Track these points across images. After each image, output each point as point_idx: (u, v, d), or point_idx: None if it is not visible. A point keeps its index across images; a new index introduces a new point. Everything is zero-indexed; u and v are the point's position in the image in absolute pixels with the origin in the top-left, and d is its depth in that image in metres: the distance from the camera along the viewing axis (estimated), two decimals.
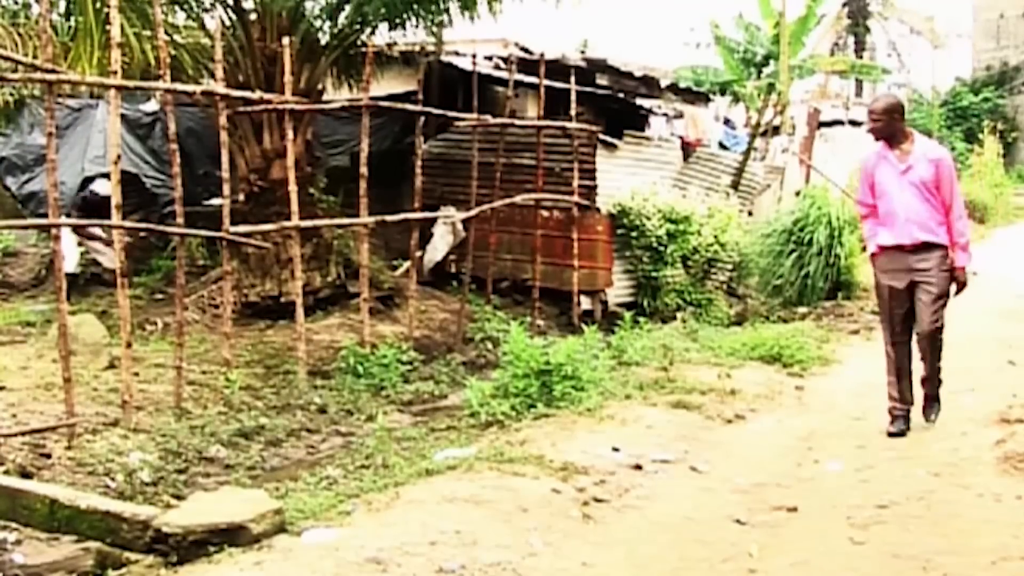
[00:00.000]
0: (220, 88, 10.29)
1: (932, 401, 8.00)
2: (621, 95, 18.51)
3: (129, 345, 8.90)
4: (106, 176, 11.23)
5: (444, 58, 15.63)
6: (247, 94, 11.11)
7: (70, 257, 13.43)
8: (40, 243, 15.19)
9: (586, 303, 15.11)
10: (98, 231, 13.97)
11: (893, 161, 7.73)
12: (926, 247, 7.63)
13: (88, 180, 14.62)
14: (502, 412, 8.48)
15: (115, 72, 8.81)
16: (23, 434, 7.93)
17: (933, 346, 7.75)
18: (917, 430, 7.89)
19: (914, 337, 7.86)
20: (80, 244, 14.24)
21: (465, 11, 13.26)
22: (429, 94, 13.59)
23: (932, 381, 7.93)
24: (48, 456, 7.80)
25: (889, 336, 7.95)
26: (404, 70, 15.65)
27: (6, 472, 7.10)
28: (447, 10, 13.18)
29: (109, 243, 13.49)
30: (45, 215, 9.62)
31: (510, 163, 14.42)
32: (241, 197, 12.80)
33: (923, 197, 7.61)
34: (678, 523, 6.07)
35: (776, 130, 23.11)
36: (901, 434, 7.75)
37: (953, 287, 7.72)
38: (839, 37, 40.99)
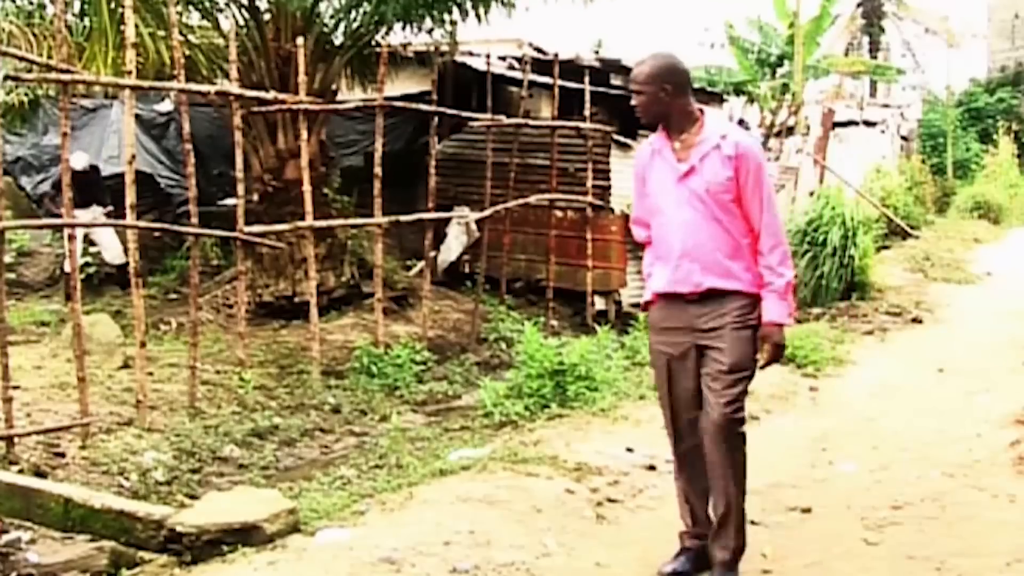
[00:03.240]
0: (234, 88, 10.31)
1: (725, 559, 4.94)
2: None
3: (143, 345, 8.92)
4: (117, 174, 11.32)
5: (458, 58, 15.63)
6: (261, 94, 11.13)
7: (113, 248, 13.56)
8: (54, 243, 15.23)
9: (600, 303, 15.08)
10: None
11: (669, 159, 4.93)
12: (716, 297, 4.82)
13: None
14: (516, 412, 8.47)
15: (130, 72, 8.84)
16: (38, 433, 7.96)
17: (726, 452, 4.89)
18: (931, 431, 7.86)
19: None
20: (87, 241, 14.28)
21: (480, 11, 13.25)
22: (443, 94, 13.59)
23: (727, 518, 4.94)
24: (62, 455, 7.83)
25: (670, 431, 5.13)
26: (418, 70, 15.66)
27: (21, 471, 7.12)
28: (464, 10, 13.17)
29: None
30: (59, 215, 9.65)
31: (524, 163, 14.42)
32: (255, 197, 12.82)
33: (712, 215, 4.80)
34: None
35: (790, 130, 23.10)
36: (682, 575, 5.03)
37: (762, 355, 4.90)
38: (853, 37, 40.89)
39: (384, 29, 13.19)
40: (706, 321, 4.85)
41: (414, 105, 12.98)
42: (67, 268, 13.76)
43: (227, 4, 13.02)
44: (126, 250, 14.34)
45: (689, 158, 4.86)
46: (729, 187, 4.79)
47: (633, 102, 4.99)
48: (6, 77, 10.90)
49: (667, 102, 4.86)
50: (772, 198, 4.88)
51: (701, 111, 4.94)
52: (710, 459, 4.89)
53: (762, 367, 4.89)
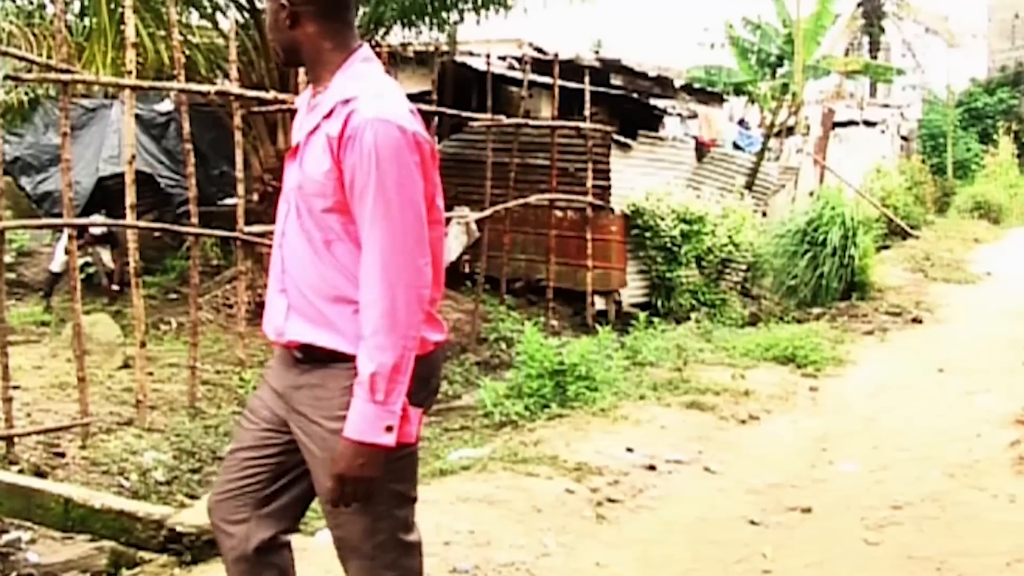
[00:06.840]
0: (234, 88, 10.30)
1: None
2: (635, 95, 18.49)
3: (143, 345, 8.91)
4: (114, 183, 11.28)
5: (458, 58, 15.65)
6: (261, 94, 11.10)
7: (59, 257, 13.51)
8: (54, 243, 15.23)
9: (600, 303, 15.09)
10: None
11: (298, 126, 3.12)
12: (308, 359, 2.96)
13: (94, 194, 14.68)
14: (516, 412, 8.47)
15: (129, 72, 8.83)
16: (38, 433, 7.95)
17: None
18: (931, 431, 7.87)
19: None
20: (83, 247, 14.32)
21: (479, 11, 13.25)
22: (443, 94, 13.58)
23: None
24: (62, 455, 7.82)
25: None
26: (418, 70, 15.66)
27: (21, 471, 7.11)
28: (461, 11, 13.17)
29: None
30: (59, 215, 9.64)
31: (524, 163, 14.41)
32: (255, 197, 12.81)
33: (302, 228, 2.97)
34: (692, 524, 6.06)
35: (790, 130, 23.08)
36: None
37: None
38: (854, 37, 40.88)
39: (384, 29, 13.18)
40: (297, 395, 3.00)
41: (414, 105, 12.95)
42: (54, 268, 13.90)
43: (227, 4, 13.02)
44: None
45: (302, 127, 3.04)
46: (324, 188, 2.87)
47: None
48: (6, 77, 10.89)
49: (289, 29, 2.96)
50: (396, 218, 2.78)
51: (339, 50, 2.99)
52: None
53: (338, 500, 2.92)
